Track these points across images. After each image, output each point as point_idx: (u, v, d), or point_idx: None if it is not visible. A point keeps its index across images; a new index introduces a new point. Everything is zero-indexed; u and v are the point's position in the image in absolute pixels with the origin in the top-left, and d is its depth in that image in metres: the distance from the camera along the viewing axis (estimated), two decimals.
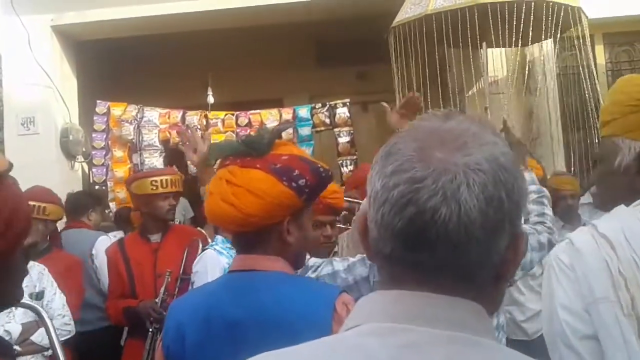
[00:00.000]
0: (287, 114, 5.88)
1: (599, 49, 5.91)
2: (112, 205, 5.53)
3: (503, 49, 5.03)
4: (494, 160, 0.73)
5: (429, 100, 4.46)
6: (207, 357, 1.47)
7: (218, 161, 1.66)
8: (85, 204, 4.68)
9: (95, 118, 5.86)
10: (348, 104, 5.85)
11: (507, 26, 4.25)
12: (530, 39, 4.38)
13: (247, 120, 5.89)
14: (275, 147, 1.56)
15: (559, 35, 4.59)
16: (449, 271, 0.74)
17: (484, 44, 4.55)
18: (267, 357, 0.81)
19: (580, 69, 4.68)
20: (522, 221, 0.81)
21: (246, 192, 1.46)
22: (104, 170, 5.83)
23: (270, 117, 5.88)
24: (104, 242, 4.16)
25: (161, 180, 3.49)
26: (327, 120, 5.79)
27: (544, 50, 5.40)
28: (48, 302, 3.21)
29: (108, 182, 5.75)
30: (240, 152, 1.54)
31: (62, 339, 2.90)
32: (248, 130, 5.88)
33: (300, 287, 1.54)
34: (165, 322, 1.57)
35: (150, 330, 3.27)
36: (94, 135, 5.86)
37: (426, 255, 0.73)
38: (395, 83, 4.82)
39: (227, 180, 1.50)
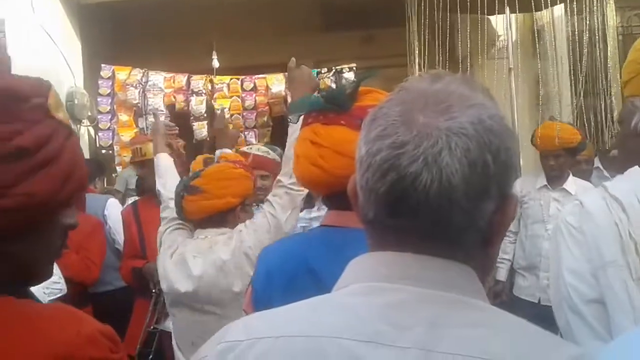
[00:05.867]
0: None
1: (610, 13, 5.79)
2: (119, 169, 5.54)
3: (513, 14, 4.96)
4: (479, 123, 0.71)
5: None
6: None
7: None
8: (91, 172, 4.76)
9: (100, 82, 5.84)
10: (354, 68, 5.81)
11: None
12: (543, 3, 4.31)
13: (252, 85, 5.87)
14: (361, 98, 1.41)
15: None
16: (432, 236, 0.72)
17: (506, 9, 4.46)
18: (253, 317, 0.83)
19: (590, 33, 4.60)
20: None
21: (334, 154, 1.35)
22: (110, 134, 5.84)
23: (275, 82, 5.85)
24: (114, 204, 4.27)
25: (134, 149, 3.68)
26: (334, 86, 5.74)
27: (554, 14, 5.29)
28: None
29: (114, 146, 5.76)
30: (322, 107, 1.41)
31: (54, 297, 2.91)
32: (253, 95, 5.86)
33: None
34: (255, 267, 1.52)
35: (154, 291, 3.27)
36: (99, 99, 5.84)
37: (408, 221, 0.72)
38: (409, 46, 4.76)
39: (312, 141, 1.39)
